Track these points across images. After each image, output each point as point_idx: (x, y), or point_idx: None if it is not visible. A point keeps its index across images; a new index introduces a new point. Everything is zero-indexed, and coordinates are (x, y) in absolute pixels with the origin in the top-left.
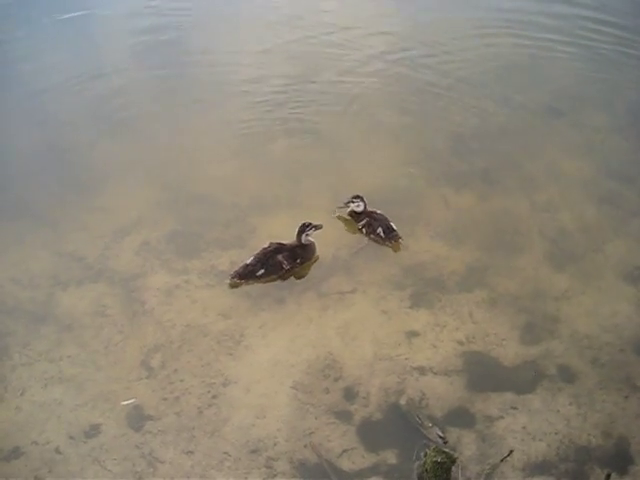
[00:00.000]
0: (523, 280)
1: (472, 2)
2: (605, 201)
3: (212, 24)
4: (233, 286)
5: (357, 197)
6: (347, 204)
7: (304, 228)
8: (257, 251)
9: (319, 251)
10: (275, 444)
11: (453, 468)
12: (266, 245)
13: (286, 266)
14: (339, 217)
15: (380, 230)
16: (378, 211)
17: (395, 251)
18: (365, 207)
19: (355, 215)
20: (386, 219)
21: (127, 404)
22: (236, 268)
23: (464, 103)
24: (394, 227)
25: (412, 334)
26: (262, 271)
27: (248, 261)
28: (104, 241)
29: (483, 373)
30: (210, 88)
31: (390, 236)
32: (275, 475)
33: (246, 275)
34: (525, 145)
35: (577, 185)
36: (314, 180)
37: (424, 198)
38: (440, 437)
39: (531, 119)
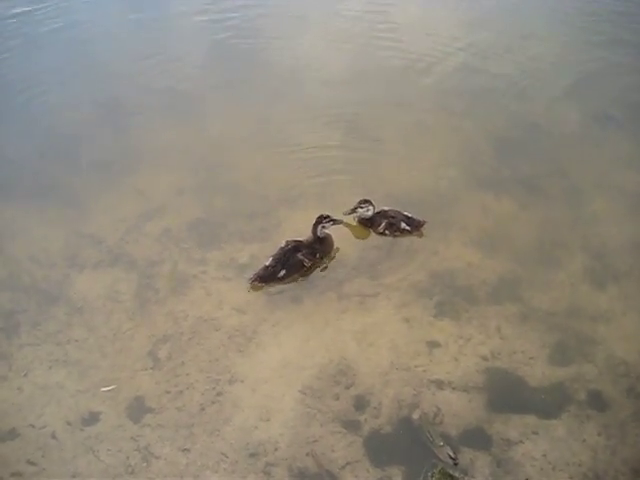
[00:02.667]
0: (559, 296)
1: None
2: None
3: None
4: (255, 289)
5: (365, 201)
6: (354, 210)
7: (321, 219)
8: (275, 251)
9: (345, 251)
10: (276, 449)
11: None
12: (283, 244)
13: (307, 263)
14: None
15: (404, 224)
16: (386, 208)
17: (421, 237)
18: (374, 210)
19: (366, 221)
20: (400, 212)
21: (107, 390)
22: (256, 271)
23: (514, 107)
24: (410, 215)
25: (433, 345)
26: (283, 272)
27: (267, 263)
28: (126, 225)
29: (506, 392)
30: (264, 87)
31: (415, 225)
32: None
33: (267, 278)
34: (574, 153)
35: (627, 199)
36: (347, 177)
37: (461, 203)
38: (451, 457)
39: (584, 126)
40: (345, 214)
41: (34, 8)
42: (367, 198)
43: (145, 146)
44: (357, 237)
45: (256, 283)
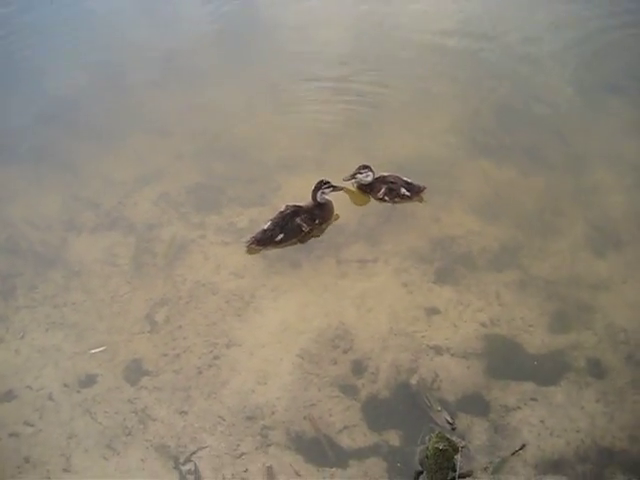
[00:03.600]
0: (559, 264)
1: None
2: None
3: None
4: (251, 252)
5: (365, 167)
6: (354, 176)
7: (321, 185)
8: (274, 215)
9: (344, 216)
10: (273, 413)
11: (456, 457)
12: (282, 208)
13: (305, 229)
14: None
15: (403, 190)
16: (386, 173)
17: (421, 202)
18: (374, 176)
19: (365, 187)
20: (400, 177)
21: (96, 352)
22: (253, 234)
23: (517, 75)
24: (410, 181)
25: (432, 311)
26: (281, 236)
27: (265, 226)
28: (124, 189)
29: (504, 359)
30: (264, 51)
31: (415, 190)
32: (269, 445)
33: (265, 241)
34: (578, 122)
35: (630, 168)
36: (348, 143)
37: (462, 170)
38: (448, 422)
39: (588, 96)
40: (345, 180)
41: None
42: (366, 164)
43: (143, 110)
44: (356, 203)
45: (253, 246)
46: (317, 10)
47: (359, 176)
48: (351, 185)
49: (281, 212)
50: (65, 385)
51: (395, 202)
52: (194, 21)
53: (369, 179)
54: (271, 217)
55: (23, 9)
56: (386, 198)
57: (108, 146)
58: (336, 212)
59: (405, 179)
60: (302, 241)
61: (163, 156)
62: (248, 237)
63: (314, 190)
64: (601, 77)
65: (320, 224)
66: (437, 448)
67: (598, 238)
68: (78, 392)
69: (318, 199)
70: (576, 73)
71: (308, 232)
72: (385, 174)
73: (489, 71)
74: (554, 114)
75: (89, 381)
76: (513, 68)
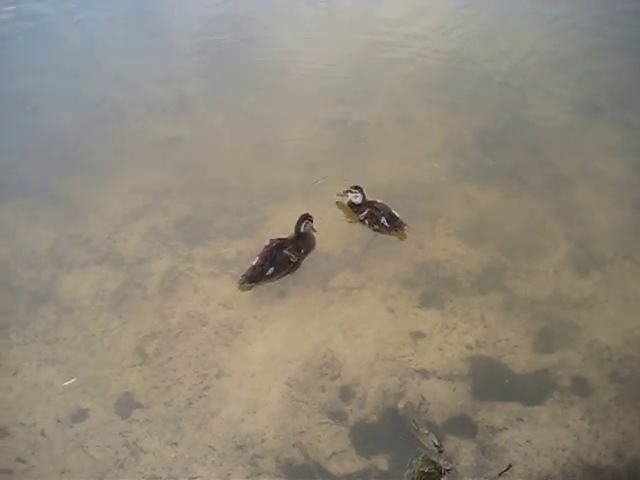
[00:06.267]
0: (543, 284)
1: None
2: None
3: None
4: (243, 290)
5: (356, 188)
6: (345, 193)
7: (305, 217)
8: (260, 250)
9: (330, 244)
10: (263, 441)
11: (443, 479)
12: (267, 242)
13: (294, 259)
14: (341, 206)
15: (384, 220)
16: (378, 200)
17: (401, 239)
18: (364, 198)
19: (354, 207)
20: (387, 207)
21: (69, 384)
22: (244, 271)
23: (498, 99)
24: (397, 215)
25: (418, 335)
26: (272, 269)
27: (254, 262)
28: (113, 224)
29: (490, 381)
30: (250, 82)
31: (395, 225)
32: (259, 473)
33: (256, 277)
34: (559, 143)
35: (611, 187)
36: (332, 171)
37: (446, 194)
38: (436, 445)
39: (568, 115)
40: (338, 195)
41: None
42: (359, 185)
43: (131, 145)
44: (342, 231)
45: (245, 284)
46: (302, 40)
47: (350, 195)
48: (343, 200)
49: (267, 246)
50: (57, 420)
51: (374, 229)
52: (181, 53)
53: (358, 200)
54: (258, 249)
55: (11, 43)
56: (366, 222)
57: (97, 181)
58: (322, 239)
59: (393, 211)
60: (291, 272)
61: (151, 190)
62: (239, 276)
63: (298, 222)
64: (582, 98)
65: (305, 253)
66: (422, 471)
67: (581, 257)
68: (70, 427)
69: (302, 229)
70: (557, 95)
71: (296, 263)
72: (378, 200)
73: (470, 95)
74: (535, 136)
75: (81, 416)
76: (494, 92)
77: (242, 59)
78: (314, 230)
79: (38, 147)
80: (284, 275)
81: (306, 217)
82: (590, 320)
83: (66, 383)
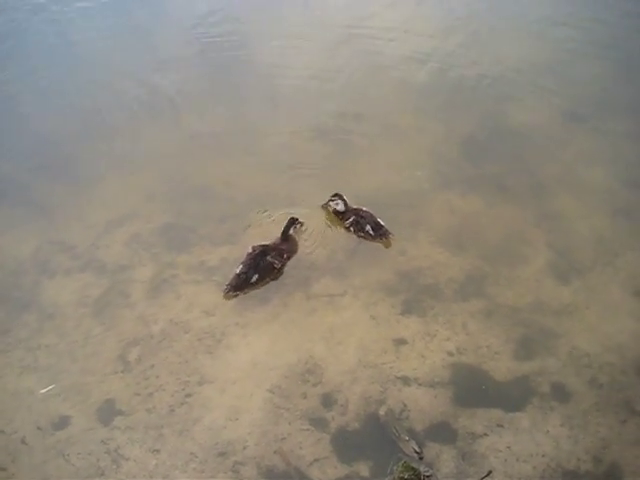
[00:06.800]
0: (524, 291)
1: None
2: (620, 212)
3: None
4: (228, 299)
5: (335, 195)
6: (327, 203)
7: (295, 220)
8: (243, 258)
9: (313, 253)
10: (244, 448)
11: None
12: (250, 250)
13: (277, 265)
14: (327, 215)
15: (369, 227)
16: (364, 208)
17: (386, 247)
18: (346, 205)
19: (339, 214)
20: (373, 215)
21: (46, 391)
22: (228, 281)
23: (479, 106)
24: (382, 223)
25: (400, 342)
26: (256, 276)
27: (238, 270)
28: (96, 231)
29: (471, 387)
30: (236, 91)
31: (380, 233)
32: None
33: (241, 285)
34: (540, 151)
35: (591, 194)
36: (315, 179)
37: (428, 202)
38: (416, 452)
39: (548, 124)
40: (322, 205)
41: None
42: (339, 193)
43: (115, 152)
44: (326, 238)
45: (231, 293)
46: (289, 49)
47: (331, 203)
48: (328, 210)
49: (250, 253)
50: (38, 428)
51: (359, 236)
52: (167, 56)
53: (340, 207)
54: (241, 257)
55: None
56: (351, 229)
57: (80, 189)
58: (306, 246)
59: (378, 220)
60: (274, 278)
61: (135, 197)
62: (223, 286)
63: (287, 226)
64: (564, 106)
65: (288, 259)
66: (402, 478)
67: (561, 265)
68: (51, 434)
69: (290, 233)
70: (537, 103)
71: (280, 268)
72: (363, 208)
73: (451, 103)
74: (518, 144)
75: (62, 423)
76: (477, 100)
77: (228, 63)
78: (302, 232)
79: (20, 154)
80: (268, 282)
81: (295, 221)
82: (570, 327)
83: (43, 390)
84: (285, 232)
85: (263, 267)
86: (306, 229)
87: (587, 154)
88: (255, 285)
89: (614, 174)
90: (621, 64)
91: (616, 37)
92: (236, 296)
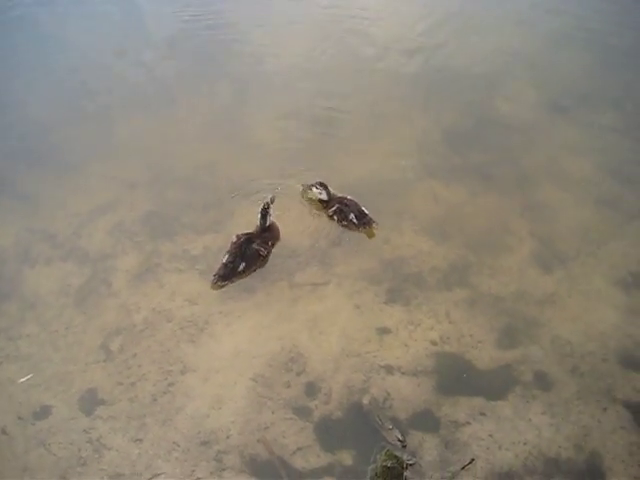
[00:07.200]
0: (507, 281)
1: None
2: (603, 202)
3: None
4: (216, 289)
5: (321, 185)
6: (309, 187)
7: (267, 208)
8: (228, 247)
9: (297, 240)
10: (228, 437)
11: (405, 473)
12: (234, 239)
13: (263, 252)
14: (306, 200)
15: (352, 216)
16: (348, 197)
17: (369, 237)
18: (329, 195)
19: (323, 202)
20: (357, 204)
21: (24, 380)
22: (215, 271)
23: (465, 96)
24: (366, 212)
25: (384, 331)
26: (243, 264)
27: (224, 260)
28: (78, 220)
29: (454, 376)
30: (219, 79)
31: (363, 221)
32: (223, 469)
33: (228, 275)
34: (524, 141)
35: (575, 184)
36: (300, 168)
37: (413, 191)
38: (399, 440)
39: (533, 115)
40: (302, 185)
41: None
42: (323, 182)
43: (97, 140)
44: (310, 228)
45: (219, 283)
46: (271, 37)
47: (314, 190)
48: (313, 196)
49: (234, 242)
50: (19, 418)
51: (343, 225)
52: (153, 53)
53: (323, 196)
54: (226, 249)
55: None
56: (335, 217)
57: (62, 176)
58: (288, 235)
59: (362, 208)
60: (261, 266)
61: (117, 186)
62: (212, 276)
63: (263, 216)
64: (547, 97)
65: (273, 245)
66: (385, 466)
67: (545, 254)
68: (32, 424)
69: (267, 223)
70: (522, 93)
71: (266, 256)
72: (348, 197)
73: (437, 93)
74: (502, 134)
75: (44, 413)
76: (462, 90)
77: (214, 50)
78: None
79: (2, 141)
80: (255, 270)
81: (267, 207)
82: (552, 316)
83: (22, 380)
84: (263, 220)
85: (250, 255)
86: (283, 221)
87: (572, 145)
88: (243, 274)
89: (598, 165)
90: (607, 55)
91: (602, 28)
92: (224, 286)
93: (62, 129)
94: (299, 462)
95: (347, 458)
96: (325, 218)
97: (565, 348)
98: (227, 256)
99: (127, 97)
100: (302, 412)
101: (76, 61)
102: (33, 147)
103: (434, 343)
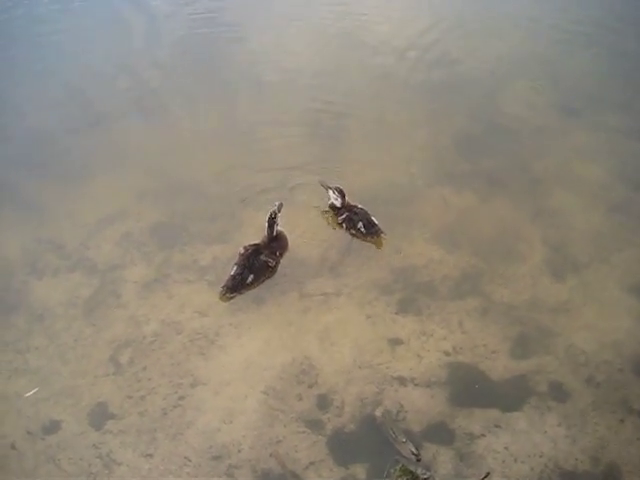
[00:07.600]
0: (520, 289)
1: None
2: (616, 208)
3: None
4: (225, 300)
5: (338, 190)
6: (327, 189)
7: (274, 218)
8: (236, 259)
9: (306, 250)
10: (239, 451)
11: None
12: (242, 250)
13: (271, 263)
14: (318, 211)
15: (361, 225)
16: (359, 205)
17: (378, 247)
18: (344, 202)
19: (335, 209)
20: (367, 213)
21: (30, 395)
22: (223, 282)
23: (475, 101)
24: (375, 222)
25: (396, 342)
26: (252, 276)
27: (233, 271)
28: (86, 230)
29: (468, 387)
30: (227, 87)
31: (372, 231)
32: None
33: (237, 286)
34: (535, 146)
35: (587, 190)
36: (310, 176)
37: (422, 198)
38: (413, 453)
39: (544, 119)
40: (320, 182)
41: None
42: (342, 189)
43: (105, 149)
44: (320, 237)
45: (227, 295)
46: (278, 45)
47: (330, 194)
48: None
49: (242, 254)
50: (28, 433)
51: (351, 233)
52: (156, 58)
53: (337, 203)
54: (234, 261)
55: None
56: (343, 225)
57: (70, 187)
58: (298, 246)
59: (372, 218)
60: (269, 277)
61: (124, 195)
62: (220, 288)
63: (270, 226)
64: (557, 100)
65: (281, 255)
66: None
67: (558, 261)
68: (42, 439)
69: (274, 233)
70: (534, 98)
71: (274, 267)
72: (358, 205)
73: (447, 99)
74: (512, 139)
75: (53, 427)
76: (471, 95)
77: (218, 56)
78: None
79: (10, 151)
80: (264, 281)
81: (274, 217)
82: (567, 325)
83: (28, 394)
84: (270, 230)
85: (258, 267)
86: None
87: (583, 149)
88: (251, 285)
89: (610, 170)
90: (617, 58)
91: (611, 31)
92: (232, 298)
93: (69, 139)
94: (312, 476)
95: (361, 472)
96: (333, 226)
97: (580, 357)
98: (235, 268)
99: (132, 106)
100: (314, 425)
101: (79, 71)
102: (40, 157)
103: (447, 354)
